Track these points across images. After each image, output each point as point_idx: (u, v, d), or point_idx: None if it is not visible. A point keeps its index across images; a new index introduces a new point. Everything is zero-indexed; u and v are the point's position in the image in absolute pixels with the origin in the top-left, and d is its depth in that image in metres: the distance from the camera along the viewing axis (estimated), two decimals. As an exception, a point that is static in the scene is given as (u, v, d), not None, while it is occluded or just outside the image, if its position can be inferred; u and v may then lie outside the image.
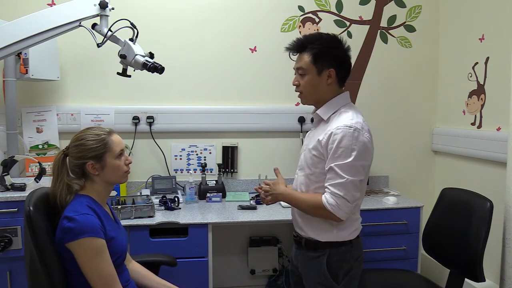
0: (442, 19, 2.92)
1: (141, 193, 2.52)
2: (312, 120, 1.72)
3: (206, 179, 2.66)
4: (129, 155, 1.85)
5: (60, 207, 1.40)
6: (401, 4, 2.89)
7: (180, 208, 2.37)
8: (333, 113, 1.55)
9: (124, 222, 2.05)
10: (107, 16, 1.98)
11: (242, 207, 2.40)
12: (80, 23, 1.92)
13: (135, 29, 1.96)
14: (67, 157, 1.45)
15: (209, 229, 2.17)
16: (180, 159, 2.74)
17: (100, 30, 1.97)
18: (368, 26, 2.87)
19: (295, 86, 1.61)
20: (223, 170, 2.76)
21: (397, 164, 2.97)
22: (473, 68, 2.58)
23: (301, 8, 2.78)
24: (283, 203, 2.37)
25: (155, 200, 2.39)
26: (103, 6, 1.94)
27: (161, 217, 2.20)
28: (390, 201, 2.50)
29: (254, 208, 2.40)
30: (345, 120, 1.49)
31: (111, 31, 1.96)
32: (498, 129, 2.38)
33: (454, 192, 2.14)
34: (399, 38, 2.91)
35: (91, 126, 1.51)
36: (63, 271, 1.36)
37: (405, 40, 2.92)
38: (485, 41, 2.49)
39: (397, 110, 2.95)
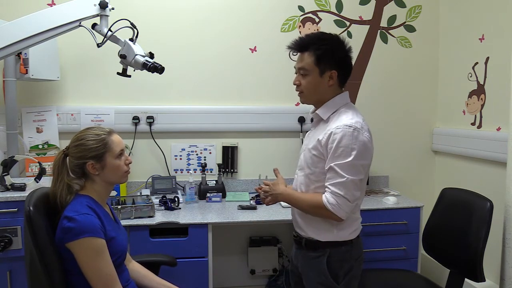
0: (442, 19, 2.92)
1: (141, 193, 2.52)
2: (311, 120, 1.71)
3: (206, 179, 2.66)
4: (129, 155, 1.85)
5: (60, 207, 1.40)
6: (401, 4, 2.89)
7: (180, 208, 2.37)
8: (332, 113, 1.55)
9: (124, 222, 2.05)
10: (107, 16, 1.98)
11: (242, 207, 2.40)
12: (80, 23, 1.92)
13: (135, 29, 1.96)
14: (67, 157, 1.45)
15: (209, 229, 2.17)
16: (180, 159, 2.74)
17: (100, 30, 1.97)
18: (368, 26, 2.87)
19: (295, 86, 1.61)
20: (223, 170, 2.76)
21: (397, 164, 2.97)
22: (473, 68, 2.58)
23: (301, 8, 2.78)
24: (283, 203, 2.37)
25: (155, 200, 2.39)
26: (103, 6, 1.94)
27: (161, 217, 2.20)
28: (390, 201, 2.50)
29: (254, 208, 2.40)
30: (345, 119, 1.49)
31: (111, 31, 1.96)
32: (498, 129, 2.38)
33: (454, 192, 2.14)
34: (399, 38, 2.91)
35: (91, 126, 1.51)
36: (63, 271, 1.36)
37: (405, 40, 2.92)
38: (485, 41, 2.49)
39: (397, 110, 2.95)
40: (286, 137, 2.83)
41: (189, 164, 2.76)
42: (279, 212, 2.34)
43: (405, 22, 2.91)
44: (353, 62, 1.63)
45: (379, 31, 2.88)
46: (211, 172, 2.76)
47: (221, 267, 2.74)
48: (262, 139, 2.82)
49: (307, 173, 1.57)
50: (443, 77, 2.93)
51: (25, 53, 2.24)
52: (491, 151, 2.38)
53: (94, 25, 1.98)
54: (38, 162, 2.21)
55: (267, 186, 1.65)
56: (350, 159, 1.43)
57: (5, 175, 2.11)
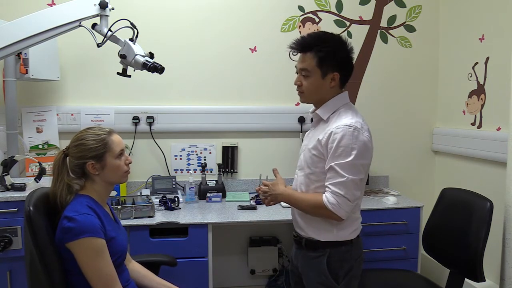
0: (442, 19, 2.92)
1: (141, 193, 2.52)
2: (311, 120, 1.71)
3: (206, 179, 2.66)
4: (129, 155, 1.85)
5: (60, 207, 1.40)
6: (401, 4, 2.89)
7: (180, 208, 2.37)
8: (332, 113, 1.55)
9: (124, 222, 2.05)
10: (107, 16, 1.98)
11: (242, 207, 2.40)
12: (80, 23, 1.92)
13: (135, 29, 1.96)
14: (67, 157, 1.45)
15: (209, 229, 2.17)
16: (180, 159, 2.74)
17: (100, 30, 1.97)
18: (368, 26, 2.87)
19: (295, 86, 1.61)
20: (223, 170, 2.76)
21: (397, 164, 2.97)
22: (473, 68, 2.58)
23: (301, 8, 2.78)
24: (283, 203, 2.37)
25: (155, 200, 2.39)
26: (103, 6, 1.94)
27: (161, 217, 2.20)
28: (390, 201, 2.50)
29: (254, 208, 2.40)
30: (345, 119, 1.49)
31: (111, 31, 1.96)
32: (498, 129, 2.38)
33: (454, 192, 2.14)
34: (399, 38, 2.91)
35: (91, 126, 1.51)
36: (63, 271, 1.36)
37: (405, 40, 2.92)
38: (485, 41, 2.49)
39: (397, 110, 2.95)
40: (286, 137, 2.83)
41: (189, 164, 2.76)
42: (279, 212, 2.34)
43: (405, 22, 2.91)
44: (354, 62, 1.63)
45: (379, 31, 2.88)
46: (211, 172, 2.76)
47: (221, 267, 2.74)
48: (262, 139, 2.82)
49: (307, 173, 1.57)
50: (443, 77, 2.93)
51: (25, 53, 2.24)
52: (491, 151, 2.38)
53: (94, 25, 1.98)
54: (38, 162, 2.21)
55: (266, 187, 1.65)
56: (350, 158, 1.43)
57: (5, 175, 2.11)
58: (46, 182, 2.08)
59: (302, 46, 1.55)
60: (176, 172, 2.73)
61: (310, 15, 2.80)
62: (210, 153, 2.77)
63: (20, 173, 2.46)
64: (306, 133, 1.72)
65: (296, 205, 1.59)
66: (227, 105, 2.75)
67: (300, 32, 2.78)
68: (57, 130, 2.56)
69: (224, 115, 2.73)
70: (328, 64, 1.52)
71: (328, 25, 2.80)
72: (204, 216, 2.25)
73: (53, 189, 1.43)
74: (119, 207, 2.15)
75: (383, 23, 2.88)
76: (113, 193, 2.39)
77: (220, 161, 2.77)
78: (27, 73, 2.26)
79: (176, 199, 2.37)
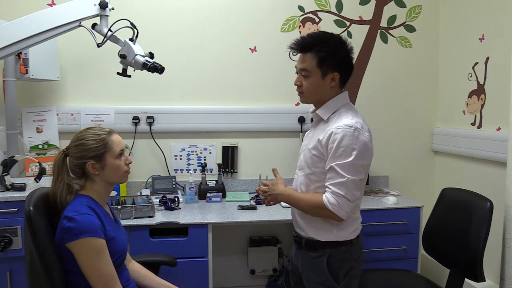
0: (442, 19, 2.92)
1: (141, 193, 2.52)
2: (311, 120, 1.71)
3: (206, 179, 2.66)
4: (129, 155, 1.85)
5: (60, 207, 1.40)
6: (401, 4, 2.89)
7: (180, 208, 2.37)
8: (332, 113, 1.55)
9: (124, 222, 2.05)
10: (107, 16, 1.98)
11: (242, 207, 2.40)
12: (80, 23, 1.92)
13: (135, 29, 1.96)
14: (67, 157, 1.45)
15: (209, 229, 2.17)
16: (180, 159, 2.74)
17: (100, 30, 1.97)
18: (368, 26, 2.87)
19: (295, 86, 1.61)
20: (223, 170, 2.76)
21: (397, 164, 2.97)
22: (473, 68, 2.58)
23: (301, 8, 2.78)
24: (283, 203, 2.37)
25: (155, 200, 2.39)
26: (103, 6, 1.94)
27: (161, 217, 2.20)
28: (390, 201, 2.50)
29: (254, 208, 2.40)
30: (345, 120, 1.49)
31: (111, 31, 1.96)
32: (498, 129, 2.38)
33: (454, 192, 2.14)
34: (399, 38, 2.91)
35: (91, 126, 1.51)
36: (63, 271, 1.36)
37: (405, 40, 2.92)
38: (485, 41, 2.49)
39: (397, 110, 2.95)
40: (286, 137, 2.83)
41: (189, 164, 2.76)
42: (279, 212, 2.34)
43: (405, 22, 2.91)
44: (353, 62, 1.63)
45: (379, 31, 2.88)
46: (211, 172, 2.76)
47: (221, 267, 2.74)
48: (262, 139, 2.82)
49: (307, 173, 1.57)
50: (443, 77, 2.93)
51: (25, 53, 2.24)
52: (491, 151, 2.38)
53: (94, 25, 1.98)
54: (38, 162, 2.21)
55: (266, 187, 1.65)
56: (350, 159, 1.43)
57: (5, 175, 2.11)
58: (46, 182, 2.08)
59: (302, 46, 1.55)
60: (176, 172, 2.73)
61: (310, 15, 2.80)
62: (210, 153, 2.77)
63: (20, 173, 2.46)
64: (306, 133, 1.72)
65: (296, 205, 1.59)
66: (227, 105, 2.75)
67: (300, 32, 2.78)
68: (57, 130, 2.56)
69: (224, 115, 2.73)
70: (328, 64, 1.51)
71: (328, 25, 2.80)
72: (204, 216, 2.25)
73: (53, 189, 1.43)
74: (119, 207, 2.15)
75: (383, 23, 2.88)
76: (113, 193, 2.39)
77: (220, 161, 2.77)
78: (27, 73, 2.26)
79: (176, 199, 2.37)
